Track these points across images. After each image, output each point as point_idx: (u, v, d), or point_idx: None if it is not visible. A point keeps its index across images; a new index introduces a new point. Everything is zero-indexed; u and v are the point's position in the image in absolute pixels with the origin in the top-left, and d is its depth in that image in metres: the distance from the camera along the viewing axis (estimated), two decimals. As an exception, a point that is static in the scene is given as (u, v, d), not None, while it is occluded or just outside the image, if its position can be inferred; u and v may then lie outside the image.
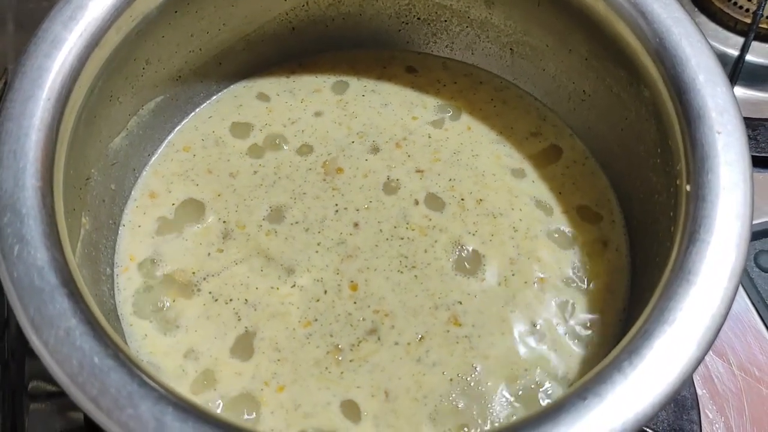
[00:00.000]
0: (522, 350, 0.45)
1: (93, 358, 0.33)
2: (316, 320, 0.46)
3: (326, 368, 0.45)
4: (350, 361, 0.45)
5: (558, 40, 0.51)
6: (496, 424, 0.43)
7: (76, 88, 0.41)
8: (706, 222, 0.37)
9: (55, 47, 0.41)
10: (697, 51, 0.41)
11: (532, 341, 0.46)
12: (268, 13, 0.54)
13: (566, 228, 0.50)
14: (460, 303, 0.47)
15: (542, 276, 0.48)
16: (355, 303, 0.47)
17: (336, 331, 0.46)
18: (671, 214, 0.40)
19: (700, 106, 0.40)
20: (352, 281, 0.48)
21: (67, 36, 0.41)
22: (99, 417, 0.32)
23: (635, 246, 0.50)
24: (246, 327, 0.46)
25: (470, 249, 0.49)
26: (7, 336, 0.53)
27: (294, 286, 0.48)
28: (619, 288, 0.48)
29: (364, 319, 0.46)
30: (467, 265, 0.48)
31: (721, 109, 0.39)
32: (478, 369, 0.45)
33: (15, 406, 0.51)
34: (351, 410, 0.43)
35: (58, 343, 0.34)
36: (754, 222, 0.58)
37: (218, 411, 0.44)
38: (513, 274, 0.48)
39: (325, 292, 0.47)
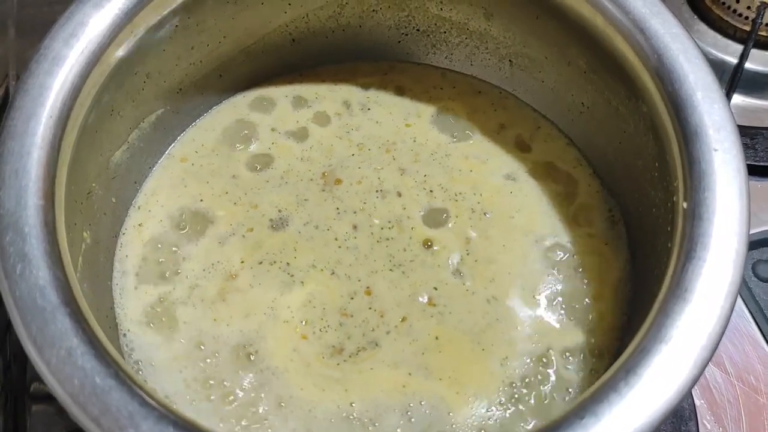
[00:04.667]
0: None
1: (94, 377, 0.33)
2: (352, 316, 0.48)
3: (324, 357, 0.46)
4: (344, 361, 0.46)
5: (557, 53, 0.51)
6: None
7: (78, 105, 0.41)
8: (703, 240, 0.37)
9: (57, 64, 0.41)
10: (695, 67, 0.41)
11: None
12: (268, 25, 0.54)
13: (561, 238, 0.51)
14: (436, 289, 0.49)
15: (515, 265, 0.50)
16: (370, 308, 0.48)
17: (353, 334, 0.47)
18: (668, 229, 0.41)
19: (697, 123, 0.40)
20: (368, 287, 0.49)
21: (68, 53, 0.41)
22: (101, 437, 0.33)
23: (634, 257, 0.50)
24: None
25: (440, 237, 0.51)
26: (9, 338, 0.53)
27: (333, 273, 0.49)
28: (612, 294, 0.49)
29: (373, 330, 0.47)
30: (435, 248, 0.50)
31: (718, 126, 0.40)
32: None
33: (17, 408, 0.52)
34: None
35: (59, 363, 0.34)
36: (753, 231, 0.59)
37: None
38: (473, 259, 0.50)
39: (356, 293, 0.49)
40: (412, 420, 0.44)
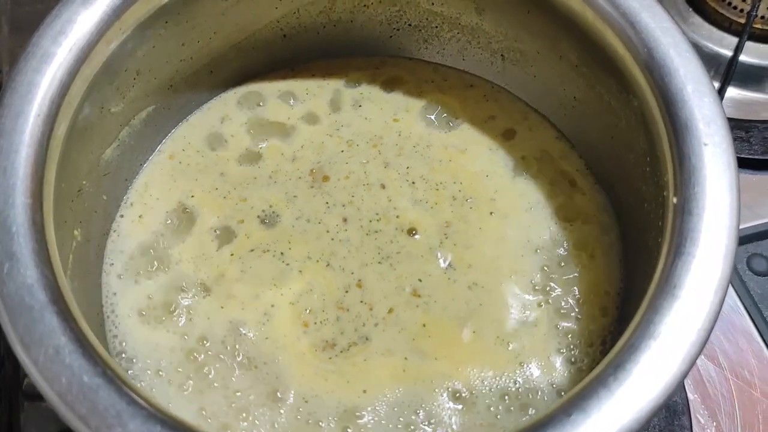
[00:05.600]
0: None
1: (82, 376, 0.33)
2: (348, 311, 0.48)
3: (316, 350, 0.47)
4: (336, 356, 0.47)
5: (548, 47, 0.51)
6: None
7: (66, 102, 0.41)
8: (692, 235, 0.37)
9: (45, 62, 0.41)
10: (685, 61, 0.41)
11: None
12: (259, 21, 0.54)
13: (550, 229, 0.51)
14: (420, 281, 0.49)
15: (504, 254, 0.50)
16: (361, 302, 0.48)
17: (346, 330, 0.47)
18: (659, 224, 0.40)
19: (687, 117, 0.40)
20: (359, 280, 0.49)
21: (56, 51, 0.41)
22: (88, 436, 0.33)
23: (625, 252, 0.50)
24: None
25: (421, 227, 0.51)
26: (2, 337, 0.53)
27: (328, 265, 0.49)
28: (601, 287, 0.49)
29: (364, 325, 0.47)
30: (417, 237, 0.50)
31: (708, 120, 0.39)
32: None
33: (11, 405, 0.52)
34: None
35: (47, 362, 0.34)
36: (747, 225, 0.59)
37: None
38: (452, 243, 0.51)
39: (350, 285, 0.49)
40: (432, 398, 0.45)
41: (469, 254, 0.50)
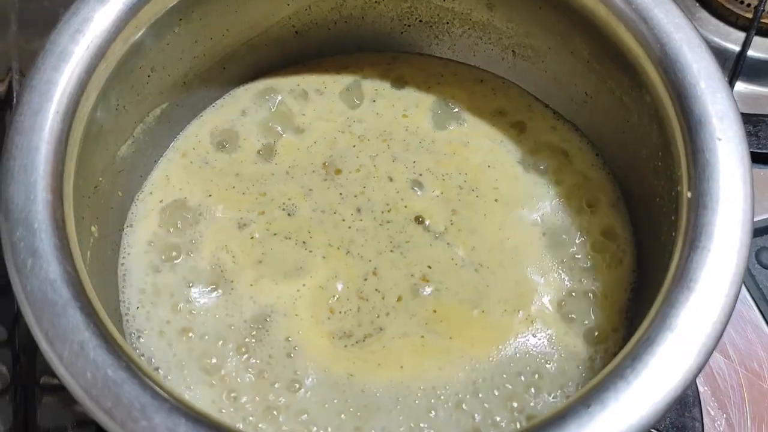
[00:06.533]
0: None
1: (106, 370, 0.34)
2: (367, 300, 0.49)
3: (334, 338, 0.48)
4: (352, 345, 0.47)
5: (560, 43, 0.51)
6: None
7: (84, 100, 0.42)
8: (707, 229, 0.37)
9: (63, 60, 0.41)
10: (698, 57, 0.42)
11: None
12: (270, 18, 0.54)
13: (561, 218, 0.52)
14: (430, 267, 0.50)
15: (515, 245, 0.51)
16: (376, 290, 0.49)
17: (364, 321, 0.48)
18: (673, 218, 0.41)
19: (700, 113, 0.40)
20: (375, 268, 0.50)
21: (74, 49, 0.41)
22: (114, 429, 0.33)
23: (637, 244, 0.50)
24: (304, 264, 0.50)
25: (428, 215, 0.52)
26: (17, 330, 0.53)
27: (348, 253, 0.50)
28: (613, 280, 0.50)
29: (378, 316, 0.48)
30: (426, 223, 0.51)
31: (721, 115, 0.40)
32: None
33: (27, 399, 0.52)
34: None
35: (72, 356, 0.34)
36: (756, 219, 0.59)
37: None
38: (456, 228, 0.51)
39: (368, 273, 0.50)
40: (454, 368, 0.46)
41: (473, 238, 0.51)
